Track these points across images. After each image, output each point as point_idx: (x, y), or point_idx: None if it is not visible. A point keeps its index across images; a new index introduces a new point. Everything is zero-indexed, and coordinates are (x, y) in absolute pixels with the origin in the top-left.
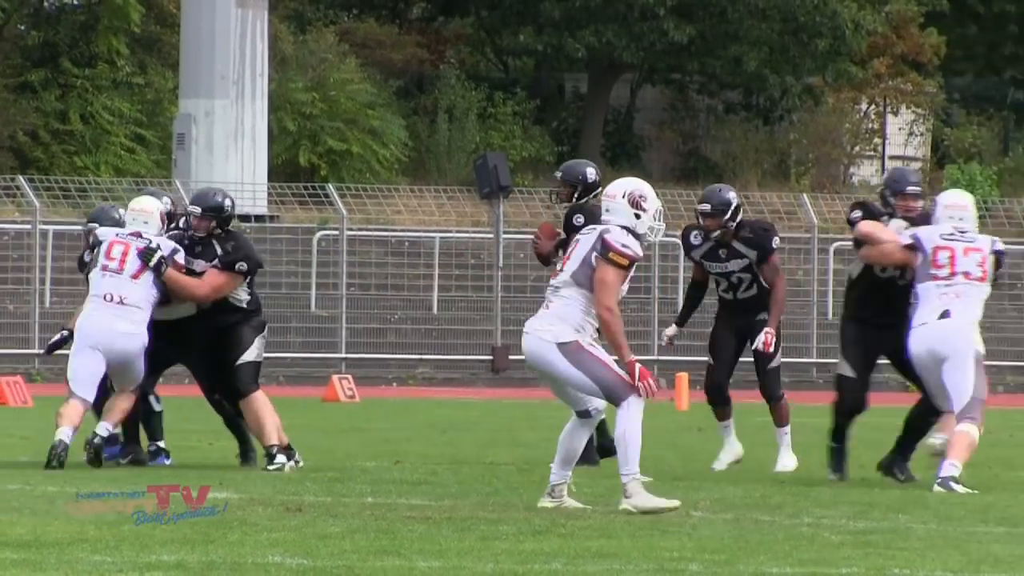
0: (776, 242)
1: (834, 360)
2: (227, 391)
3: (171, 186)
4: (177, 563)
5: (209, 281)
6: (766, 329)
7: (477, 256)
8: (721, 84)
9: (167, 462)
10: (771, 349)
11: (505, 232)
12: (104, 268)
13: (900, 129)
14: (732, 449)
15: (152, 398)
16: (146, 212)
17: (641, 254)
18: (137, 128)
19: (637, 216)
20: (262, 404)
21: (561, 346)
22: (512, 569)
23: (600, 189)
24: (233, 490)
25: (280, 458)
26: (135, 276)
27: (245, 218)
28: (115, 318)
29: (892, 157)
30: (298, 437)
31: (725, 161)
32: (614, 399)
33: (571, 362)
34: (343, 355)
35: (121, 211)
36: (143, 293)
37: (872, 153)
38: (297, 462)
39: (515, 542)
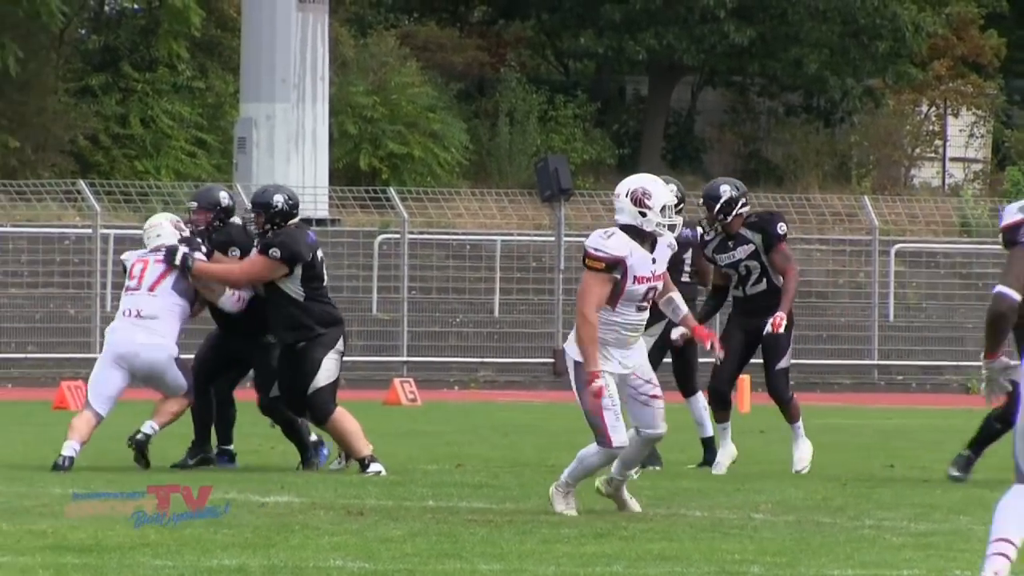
0: (782, 227)
1: (896, 362)
2: (310, 414)
3: (232, 190)
4: (239, 567)
5: (243, 267)
6: (777, 312)
7: (538, 259)
8: (782, 86)
9: (319, 441)
10: (780, 330)
11: (566, 235)
12: (127, 289)
13: (960, 131)
14: (728, 450)
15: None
16: (155, 225)
17: (620, 255)
18: (198, 132)
19: (643, 214)
20: (343, 420)
21: (577, 365)
22: (574, 572)
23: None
24: (295, 494)
25: (374, 466)
26: (151, 289)
27: (306, 221)
28: (134, 330)
29: (953, 159)
30: None
31: (786, 163)
32: (596, 438)
33: (577, 385)
34: (404, 358)
35: (223, 194)
36: (161, 303)
37: (933, 155)
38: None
39: (576, 545)
